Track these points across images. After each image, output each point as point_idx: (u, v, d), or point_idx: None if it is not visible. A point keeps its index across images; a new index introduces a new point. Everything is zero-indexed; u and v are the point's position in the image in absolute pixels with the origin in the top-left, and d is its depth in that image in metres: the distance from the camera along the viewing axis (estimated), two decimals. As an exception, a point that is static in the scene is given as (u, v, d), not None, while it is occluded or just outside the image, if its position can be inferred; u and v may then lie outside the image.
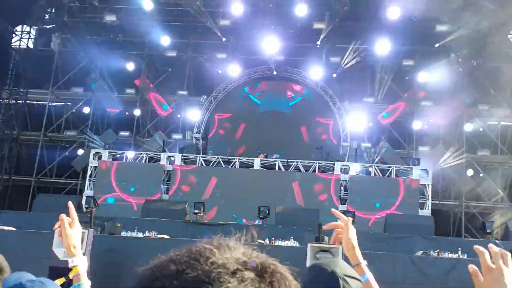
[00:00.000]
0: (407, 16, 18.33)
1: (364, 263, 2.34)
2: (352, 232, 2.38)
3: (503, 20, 18.02)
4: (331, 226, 2.44)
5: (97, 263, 9.13)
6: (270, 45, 19.93)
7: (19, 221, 12.40)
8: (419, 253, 11.29)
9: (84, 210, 14.02)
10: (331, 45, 20.86)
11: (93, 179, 17.18)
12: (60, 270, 2.77)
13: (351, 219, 2.43)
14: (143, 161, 17.73)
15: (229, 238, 1.01)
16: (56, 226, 2.64)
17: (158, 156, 17.84)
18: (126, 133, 21.14)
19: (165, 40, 20.66)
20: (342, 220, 2.41)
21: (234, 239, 1.02)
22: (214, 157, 17.94)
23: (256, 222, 13.99)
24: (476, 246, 1.86)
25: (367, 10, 18.64)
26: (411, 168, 16.74)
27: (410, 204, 15.84)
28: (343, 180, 16.81)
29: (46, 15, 21.59)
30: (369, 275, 2.29)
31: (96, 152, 17.70)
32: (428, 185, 16.38)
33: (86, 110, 21.79)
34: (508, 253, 1.80)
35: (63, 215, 2.63)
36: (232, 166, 17.53)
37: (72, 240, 2.59)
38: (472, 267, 1.81)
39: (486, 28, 18.21)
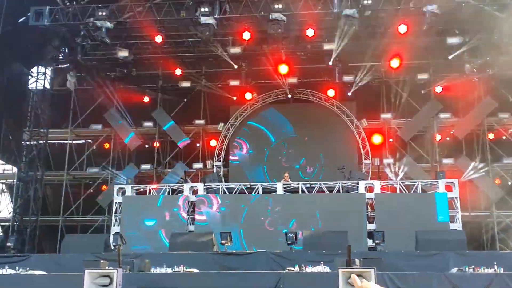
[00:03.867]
0: (417, 31, 18.20)
1: None
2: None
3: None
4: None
5: (130, 302, 9.08)
6: (282, 69, 19.98)
7: (48, 263, 12.46)
8: (454, 270, 11.04)
9: (112, 248, 14.03)
10: (344, 64, 20.86)
11: (119, 215, 17.21)
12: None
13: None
14: (166, 193, 17.70)
15: None
16: None
17: (181, 187, 17.81)
18: (147, 166, 21.24)
19: (178, 71, 20.85)
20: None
21: None
22: (236, 185, 17.85)
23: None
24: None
25: (377, 27, 18.57)
26: (437, 181, 16.45)
27: (440, 218, 15.53)
28: (369, 199, 16.57)
29: (60, 55, 21.93)
30: None
31: (120, 188, 17.75)
32: (456, 198, 16.07)
33: (107, 146, 22.01)
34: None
35: None
36: (255, 192, 17.39)
37: None
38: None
39: (497, 37, 18.05)
